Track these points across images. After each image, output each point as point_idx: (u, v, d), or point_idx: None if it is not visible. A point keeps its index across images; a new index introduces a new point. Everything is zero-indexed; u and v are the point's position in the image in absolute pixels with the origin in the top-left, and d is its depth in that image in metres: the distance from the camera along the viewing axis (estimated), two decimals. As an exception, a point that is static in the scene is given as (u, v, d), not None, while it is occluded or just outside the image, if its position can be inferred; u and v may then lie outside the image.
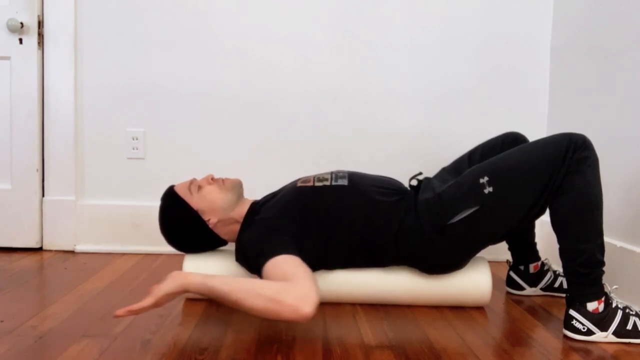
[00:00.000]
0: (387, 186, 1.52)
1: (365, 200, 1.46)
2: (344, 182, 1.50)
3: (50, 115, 2.14)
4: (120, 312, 1.16)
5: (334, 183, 1.49)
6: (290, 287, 1.20)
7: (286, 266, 1.28)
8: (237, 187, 1.56)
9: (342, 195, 1.47)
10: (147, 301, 1.19)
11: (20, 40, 2.11)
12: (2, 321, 1.35)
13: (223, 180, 1.56)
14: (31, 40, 2.11)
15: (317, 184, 1.50)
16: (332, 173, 1.55)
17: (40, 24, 2.12)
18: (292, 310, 1.16)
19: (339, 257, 1.49)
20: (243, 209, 1.54)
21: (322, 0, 2.15)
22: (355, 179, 1.51)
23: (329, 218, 1.44)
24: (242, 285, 1.21)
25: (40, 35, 2.12)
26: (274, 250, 1.33)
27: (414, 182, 1.58)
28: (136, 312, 1.18)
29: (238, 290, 1.20)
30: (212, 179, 1.56)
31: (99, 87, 2.16)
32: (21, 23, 2.08)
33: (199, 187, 1.52)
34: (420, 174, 1.60)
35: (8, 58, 2.11)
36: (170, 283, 1.22)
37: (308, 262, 1.45)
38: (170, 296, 1.23)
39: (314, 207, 1.45)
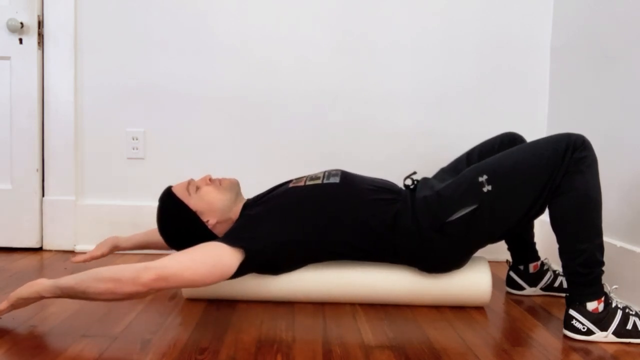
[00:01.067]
0: (380, 186, 1.52)
1: (357, 199, 1.46)
2: (336, 180, 1.50)
3: (50, 115, 2.15)
4: None
5: (325, 181, 1.50)
6: (129, 266, 1.24)
7: (192, 248, 1.33)
8: (234, 187, 1.56)
9: (334, 193, 1.47)
10: (2, 305, 1.27)
11: (20, 40, 2.11)
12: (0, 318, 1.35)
13: (220, 180, 1.56)
14: (31, 40, 2.11)
15: (309, 183, 1.51)
16: (324, 172, 1.56)
17: (40, 24, 2.12)
18: (130, 282, 1.20)
19: (332, 253, 1.50)
20: (239, 209, 1.55)
21: (322, 0, 2.15)
22: (347, 177, 1.52)
23: (321, 216, 1.44)
24: (86, 275, 1.23)
25: (40, 35, 2.12)
26: (224, 237, 1.39)
27: (409, 182, 1.58)
28: None
29: (82, 281, 1.23)
30: (210, 179, 1.56)
31: (99, 87, 2.16)
32: (21, 23, 2.08)
33: (197, 188, 1.52)
34: (415, 173, 1.60)
35: (8, 58, 2.11)
36: (25, 289, 1.27)
37: (296, 258, 1.46)
38: (26, 300, 1.27)
39: (306, 205, 1.45)
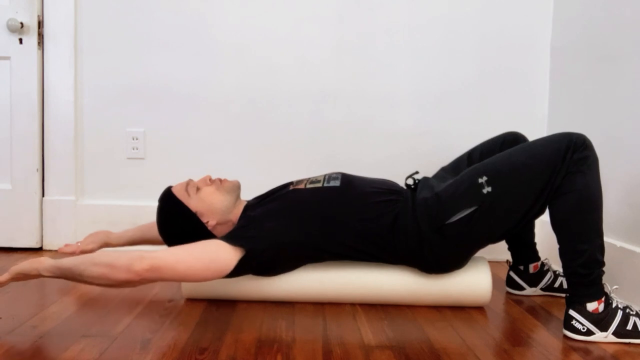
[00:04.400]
0: (381, 187, 1.52)
1: (358, 201, 1.46)
2: (337, 183, 1.50)
3: (50, 115, 2.15)
4: None
5: (326, 184, 1.50)
6: (128, 252, 1.27)
7: (191, 244, 1.35)
8: (235, 189, 1.56)
9: (335, 196, 1.47)
10: (4, 277, 1.29)
11: (20, 40, 2.11)
12: (0, 318, 1.35)
13: (221, 181, 1.56)
14: (31, 40, 2.11)
15: (309, 186, 1.51)
16: (325, 175, 1.55)
17: (40, 24, 2.12)
18: (124, 269, 1.23)
19: (333, 255, 1.49)
20: (239, 211, 1.54)
21: (322, 0, 2.15)
22: (348, 180, 1.51)
23: (322, 219, 1.44)
24: (84, 259, 1.26)
25: (40, 35, 2.12)
26: (225, 236, 1.40)
27: (410, 182, 1.58)
28: None
29: (80, 263, 1.25)
30: (210, 180, 1.56)
31: (99, 87, 2.16)
32: (21, 23, 2.08)
33: (197, 189, 1.52)
34: (417, 172, 1.60)
35: (8, 58, 2.11)
36: (26, 264, 1.29)
37: (296, 258, 1.46)
38: (25, 276, 1.29)
39: (307, 209, 1.45)
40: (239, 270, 1.38)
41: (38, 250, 2.15)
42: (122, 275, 1.23)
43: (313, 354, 1.20)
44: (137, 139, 2.17)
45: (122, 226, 2.16)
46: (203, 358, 1.16)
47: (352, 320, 1.44)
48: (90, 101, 2.17)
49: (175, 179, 1.97)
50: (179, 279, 1.32)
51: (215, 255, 1.34)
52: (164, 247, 1.39)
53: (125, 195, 2.19)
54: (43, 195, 2.17)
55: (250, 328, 1.35)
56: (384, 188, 1.51)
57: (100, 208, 2.17)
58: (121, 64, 2.16)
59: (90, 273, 1.24)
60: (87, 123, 2.17)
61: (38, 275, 1.28)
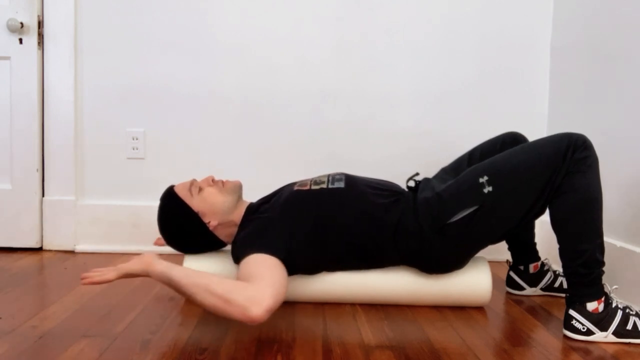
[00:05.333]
0: (384, 188, 1.52)
1: (362, 203, 1.46)
2: (341, 184, 1.50)
3: (50, 115, 2.14)
4: (84, 281, 1.25)
5: (330, 186, 1.49)
6: (243, 287, 1.20)
7: (256, 266, 1.29)
8: (237, 190, 1.56)
9: (339, 198, 1.47)
10: (110, 275, 1.26)
11: (20, 40, 2.11)
12: (0, 318, 1.35)
13: (223, 182, 1.56)
14: (31, 40, 2.11)
15: (314, 187, 1.50)
16: (328, 176, 1.55)
17: (40, 24, 2.12)
18: (240, 312, 1.16)
19: (336, 260, 1.49)
20: (241, 212, 1.54)
21: (322, 0, 2.15)
22: (351, 181, 1.51)
23: (326, 221, 1.44)
24: (198, 280, 1.22)
25: (40, 35, 2.12)
26: (255, 248, 1.36)
27: (411, 183, 1.58)
28: (98, 283, 1.25)
29: (193, 285, 1.22)
30: (213, 180, 1.56)
31: (99, 87, 2.16)
32: (21, 23, 2.08)
33: (200, 189, 1.52)
34: (417, 174, 1.60)
35: (8, 58, 2.11)
36: (135, 265, 1.27)
37: (304, 264, 1.46)
38: (133, 276, 1.29)
39: (311, 210, 1.45)
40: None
41: (38, 250, 2.15)
42: (236, 315, 1.16)
43: (313, 354, 1.20)
44: (137, 139, 2.17)
45: (122, 226, 2.16)
46: (203, 358, 1.16)
47: (352, 320, 1.43)
48: (90, 101, 2.17)
49: (175, 179, 1.97)
50: None
51: (281, 270, 1.31)
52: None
53: (125, 195, 2.19)
54: (43, 195, 2.17)
55: (250, 328, 1.35)
56: (386, 189, 1.51)
57: (100, 208, 2.17)
58: (121, 64, 2.16)
59: (202, 299, 1.20)
60: (87, 123, 2.17)
61: (146, 276, 1.27)
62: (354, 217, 1.45)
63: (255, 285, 1.21)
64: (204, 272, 1.26)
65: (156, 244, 1.61)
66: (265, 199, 1.58)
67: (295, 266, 1.43)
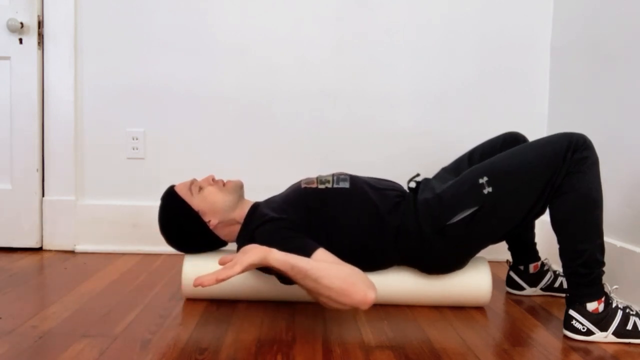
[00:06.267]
0: (387, 188, 1.51)
1: (366, 204, 1.46)
2: (346, 184, 1.50)
3: (50, 115, 2.14)
4: (206, 281, 1.12)
5: (335, 186, 1.49)
6: (356, 271, 1.26)
7: (333, 258, 1.32)
8: (238, 189, 1.56)
9: (344, 198, 1.47)
10: (236, 269, 1.16)
11: (20, 40, 2.11)
12: (0, 318, 1.35)
13: (224, 181, 1.56)
14: (31, 40, 2.11)
15: (320, 186, 1.50)
16: (333, 175, 1.54)
17: (40, 24, 2.12)
18: (363, 294, 1.21)
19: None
20: (243, 211, 1.54)
21: (322, 0, 2.15)
22: (355, 181, 1.51)
23: (330, 220, 1.44)
24: (321, 265, 1.24)
25: (40, 35, 2.12)
26: (310, 245, 1.34)
27: (412, 185, 1.58)
28: (223, 280, 1.14)
29: (319, 269, 1.22)
30: (213, 179, 1.56)
31: (99, 87, 2.16)
32: (21, 23, 2.08)
33: (200, 188, 1.52)
34: (418, 175, 1.60)
35: (8, 58, 2.11)
36: (254, 255, 1.20)
37: None
38: (253, 267, 1.22)
39: (317, 209, 1.45)
40: None
41: (38, 250, 2.15)
42: (357, 298, 1.20)
43: (313, 354, 1.20)
44: (137, 139, 2.17)
45: (122, 226, 2.16)
46: (203, 358, 1.16)
47: (352, 320, 1.43)
48: (90, 101, 2.17)
49: (175, 179, 1.97)
50: None
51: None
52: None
53: (125, 195, 2.19)
54: (43, 195, 2.17)
55: (250, 328, 1.35)
56: (388, 189, 1.51)
57: (100, 208, 2.17)
58: (121, 64, 2.16)
59: (328, 283, 1.21)
60: (87, 123, 2.17)
61: (265, 264, 1.23)
62: (357, 217, 1.45)
63: (362, 273, 1.27)
64: (311, 259, 1.26)
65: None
66: (271, 199, 1.57)
67: None
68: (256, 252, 1.21)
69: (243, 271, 1.18)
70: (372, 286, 1.24)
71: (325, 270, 1.23)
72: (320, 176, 1.55)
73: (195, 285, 1.12)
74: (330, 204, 1.46)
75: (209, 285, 1.13)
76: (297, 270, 1.22)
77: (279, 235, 1.39)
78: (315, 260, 1.29)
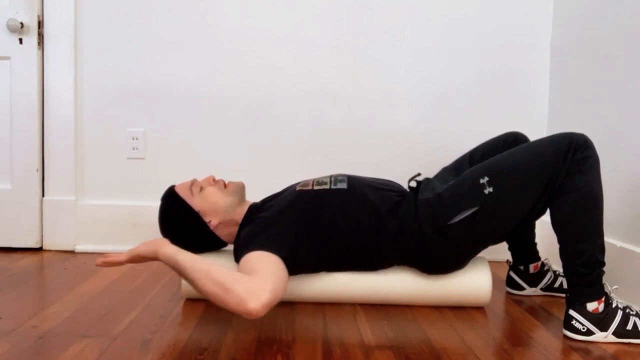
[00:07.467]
0: (386, 188, 1.51)
1: (364, 204, 1.46)
2: (343, 185, 1.49)
3: (50, 115, 2.14)
4: (98, 261, 1.28)
5: (333, 187, 1.49)
6: (245, 279, 1.18)
7: (256, 262, 1.28)
8: (239, 191, 1.56)
9: (342, 199, 1.47)
10: (122, 257, 1.30)
11: (20, 40, 2.11)
12: (0, 318, 1.35)
13: (225, 182, 1.57)
14: (31, 40, 2.11)
15: (316, 187, 1.50)
16: (331, 177, 1.54)
17: (40, 24, 2.12)
18: (237, 302, 1.13)
19: (337, 260, 1.49)
20: (243, 211, 1.54)
21: (322, 0, 2.15)
22: (354, 182, 1.51)
23: (328, 222, 1.44)
24: (202, 266, 1.21)
25: (40, 35, 2.12)
26: (257, 245, 1.34)
27: (413, 184, 1.58)
28: (110, 265, 1.30)
29: (196, 269, 1.20)
30: (214, 180, 1.56)
31: (99, 87, 2.16)
32: (21, 23, 2.08)
33: (201, 188, 1.52)
34: (419, 174, 1.60)
35: (8, 58, 2.11)
36: (145, 247, 1.28)
37: (305, 264, 1.45)
38: (143, 258, 1.30)
39: (313, 211, 1.45)
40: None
41: (38, 250, 2.15)
42: (233, 306, 1.14)
43: (313, 354, 1.20)
44: (137, 139, 2.17)
45: (122, 226, 2.16)
46: (203, 358, 1.16)
47: (352, 320, 1.43)
48: (90, 101, 2.17)
49: (175, 179, 1.97)
50: None
51: (281, 267, 1.30)
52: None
53: (125, 195, 2.19)
54: (43, 195, 2.17)
55: (250, 328, 1.35)
56: (388, 190, 1.51)
57: (100, 208, 2.17)
58: (121, 64, 2.16)
59: (203, 285, 1.18)
60: (87, 123, 2.17)
61: (155, 259, 1.27)
62: (356, 218, 1.44)
63: (256, 278, 1.19)
64: (210, 260, 1.25)
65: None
66: (268, 199, 1.58)
67: (296, 266, 1.43)
68: (148, 244, 1.28)
69: (129, 261, 1.30)
70: (257, 296, 1.13)
71: (203, 272, 1.19)
72: (318, 178, 1.56)
73: (97, 265, 1.29)
74: (328, 205, 1.46)
75: (100, 266, 1.29)
76: (181, 269, 1.23)
77: (254, 231, 1.42)
78: (242, 260, 1.30)
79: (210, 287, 1.17)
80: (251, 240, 1.39)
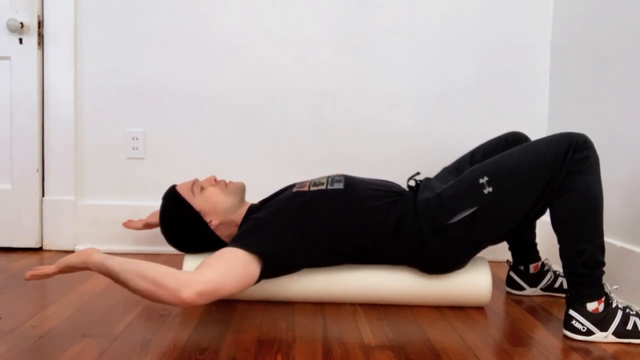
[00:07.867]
0: (384, 189, 1.51)
1: (361, 204, 1.46)
2: (340, 185, 1.49)
3: (50, 115, 2.14)
4: (27, 275, 1.23)
5: (329, 187, 1.49)
6: (175, 272, 1.19)
7: (217, 257, 1.28)
8: (240, 191, 1.57)
9: (338, 200, 1.46)
10: (51, 269, 1.23)
11: (20, 40, 2.11)
12: (0, 318, 1.35)
13: (226, 182, 1.57)
14: (31, 40, 2.11)
15: (313, 188, 1.50)
16: (328, 177, 1.55)
17: (40, 24, 2.12)
18: (170, 294, 1.15)
19: (335, 260, 1.49)
20: (243, 212, 1.55)
21: (322, 0, 2.15)
22: (351, 182, 1.51)
23: (325, 222, 1.44)
24: (131, 267, 1.20)
25: (40, 35, 2.12)
26: (237, 243, 1.33)
27: (412, 183, 1.58)
28: (39, 277, 1.23)
29: (126, 271, 1.19)
30: (215, 180, 1.56)
31: (99, 87, 2.16)
32: (21, 23, 2.08)
33: (202, 188, 1.52)
34: (418, 173, 1.60)
35: (8, 58, 2.11)
36: (74, 257, 1.23)
37: (300, 264, 1.46)
38: (72, 268, 1.24)
39: (310, 211, 1.44)
40: (263, 276, 1.34)
41: (38, 250, 2.15)
42: (168, 299, 1.16)
43: (313, 354, 1.20)
44: (137, 139, 2.17)
45: (122, 226, 2.15)
46: (203, 358, 1.16)
47: (352, 320, 1.44)
48: (90, 101, 2.17)
49: (175, 179, 1.97)
50: (221, 297, 1.26)
51: (246, 266, 1.29)
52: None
53: (125, 195, 2.19)
54: (43, 195, 2.17)
55: (250, 328, 1.35)
56: (386, 190, 1.51)
57: (100, 208, 2.17)
58: (121, 64, 2.16)
59: (135, 285, 1.17)
60: (87, 123, 2.17)
61: (86, 269, 1.24)
62: (353, 218, 1.44)
63: (195, 271, 1.21)
64: (139, 260, 1.24)
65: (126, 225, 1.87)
66: (266, 200, 1.58)
67: (288, 265, 1.43)
68: (78, 254, 1.23)
69: (58, 272, 1.23)
70: (191, 285, 1.16)
71: (134, 272, 1.18)
72: (314, 179, 1.56)
73: (25, 279, 1.24)
74: (325, 205, 1.45)
75: (28, 279, 1.23)
76: (112, 274, 1.20)
77: (243, 231, 1.41)
78: (217, 255, 1.28)
79: (143, 286, 1.17)
80: (237, 237, 1.39)
